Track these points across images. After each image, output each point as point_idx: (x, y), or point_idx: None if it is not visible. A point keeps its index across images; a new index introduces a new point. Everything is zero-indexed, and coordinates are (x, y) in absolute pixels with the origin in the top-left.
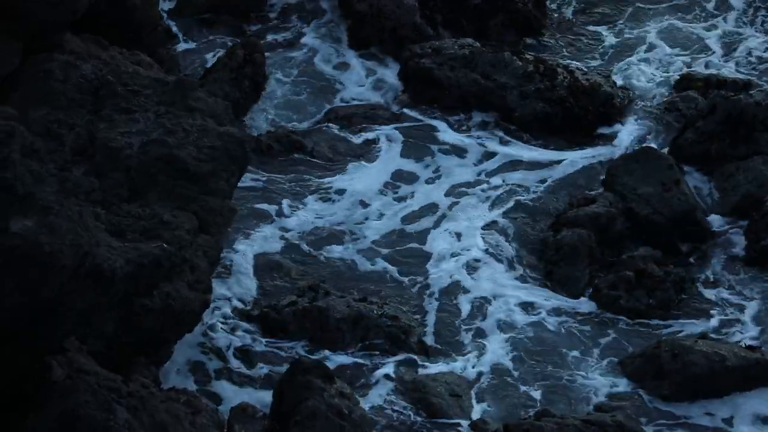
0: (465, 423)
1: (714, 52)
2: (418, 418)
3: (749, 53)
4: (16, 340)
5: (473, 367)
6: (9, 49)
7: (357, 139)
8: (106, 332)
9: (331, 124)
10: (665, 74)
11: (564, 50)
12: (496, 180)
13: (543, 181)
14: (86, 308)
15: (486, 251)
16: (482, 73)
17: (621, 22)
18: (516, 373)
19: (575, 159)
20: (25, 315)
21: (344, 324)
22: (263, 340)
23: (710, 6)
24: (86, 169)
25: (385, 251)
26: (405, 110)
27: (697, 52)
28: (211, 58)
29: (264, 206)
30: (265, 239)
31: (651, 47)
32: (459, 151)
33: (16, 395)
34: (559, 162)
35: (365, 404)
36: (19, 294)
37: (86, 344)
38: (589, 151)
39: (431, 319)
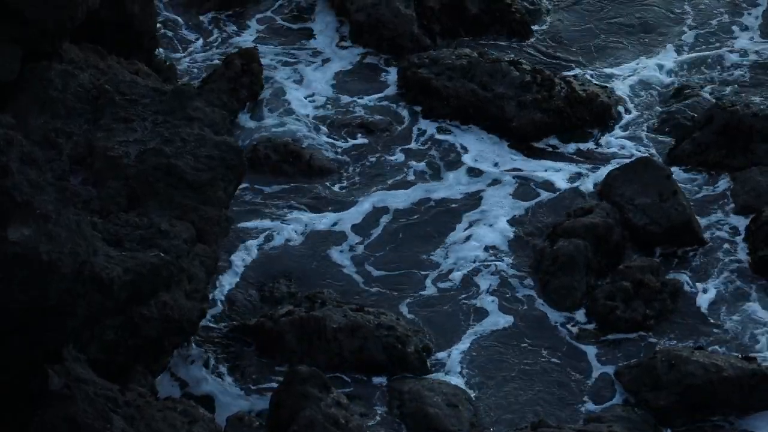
0: None
1: (713, 63)
2: (416, 429)
3: (746, 63)
4: (14, 348)
5: (470, 378)
6: (9, 56)
7: (354, 149)
8: (105, 341)
9: (328, 133)
10: (663, 84)
11: (562, 60)
12: (492, 190)
13: (540, 191)
14: (85, 317)
15: (482, 261)
16: (480, 83)
17: (619, 31)
18: (513, 384)
19: (572, 169)
20: (23, 323)
21: (341, 334)
22: (260, 349)
23: (712, 16)
24: (84, 177)
25: (382, 261)
26: (402, 119)
27: (695, 62)
28: (208, 67)
29: (261, 216)
30: (261, 248)
31: (649, 57)
32: (455, 161)
33: (15, 403)
34: (555, 172)
35: (362, 414)
36: (17, 302)
37: (85, 353)
38: (586, 161)
39: (428, 329)
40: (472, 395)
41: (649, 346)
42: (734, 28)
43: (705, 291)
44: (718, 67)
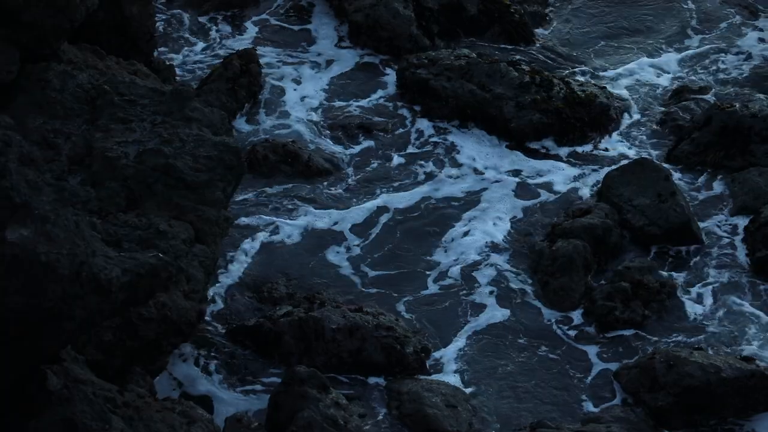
0: None
1: (712, 64)
2: (414, 429)
3: (746, 64)
4: (12, 349)
5: (469, 378)
6: (7, 57)
7: (353, 149)
8: (104, 341)
9: (327, 134)
10: (661, 85)
11: (560, 61)
12: (491, 190)
13: (538, 192)
14: (83, 318)
15: (481, 261)
16: (478, 83)
17: (618, 33)
18: (512, 384)
19: (571, 169)
20: (22, 324)
21: (340, 334)
22: (258, 350)
23: (715, 18)
24: (83, 178)
25: (380, 262)
26: (401, 120)
27: (695, 63)
28: (207, 68)
29: (260, 216)
30: (261, 249)
31: (647, 58)
32: (453, 162)
33: (13, 404)
34: (554, 172)
35: (360, 415)
36: (16, 303)
37: (84, 353)
38: (584, 162)
39: (426, 329)
40: (471, 396)
41: (647, 347)
42: (741, 29)
43: (703, 292)
44: (717, 68)
